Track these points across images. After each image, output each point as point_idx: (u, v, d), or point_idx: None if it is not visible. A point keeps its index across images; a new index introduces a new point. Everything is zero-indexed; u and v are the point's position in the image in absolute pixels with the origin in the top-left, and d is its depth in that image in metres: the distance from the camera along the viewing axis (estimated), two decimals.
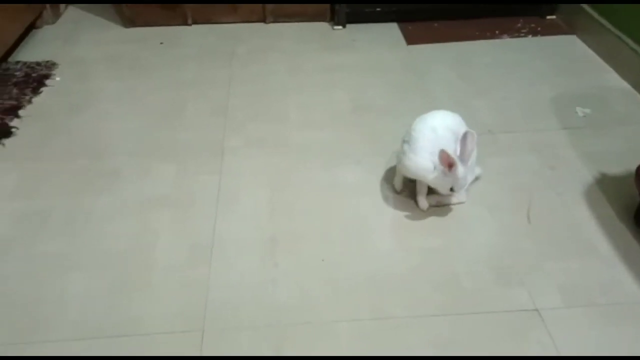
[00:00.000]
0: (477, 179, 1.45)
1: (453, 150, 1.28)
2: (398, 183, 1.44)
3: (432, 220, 1.37)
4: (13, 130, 1.72)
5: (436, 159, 1.27)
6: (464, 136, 1.27)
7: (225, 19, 2.32)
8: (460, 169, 1.26)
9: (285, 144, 1.65)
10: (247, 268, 1.25)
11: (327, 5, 2.31)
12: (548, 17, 2.29)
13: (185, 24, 2.31)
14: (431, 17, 2.31)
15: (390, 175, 1.48)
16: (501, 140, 1.63)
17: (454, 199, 1.39)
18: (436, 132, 1.31)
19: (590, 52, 2.06)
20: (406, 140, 1.34)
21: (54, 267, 1.26)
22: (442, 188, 1.32)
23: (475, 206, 1.40)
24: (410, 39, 2.20)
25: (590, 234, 1.31)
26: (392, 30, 2.26)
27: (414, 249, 1.29)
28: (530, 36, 2.19)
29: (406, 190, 1.43)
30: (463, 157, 1.27)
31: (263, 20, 2.34)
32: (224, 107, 1.82)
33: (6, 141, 1.67)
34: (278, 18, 2.33)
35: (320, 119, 1.76)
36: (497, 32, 2.22)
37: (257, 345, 1.09)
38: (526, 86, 1.88)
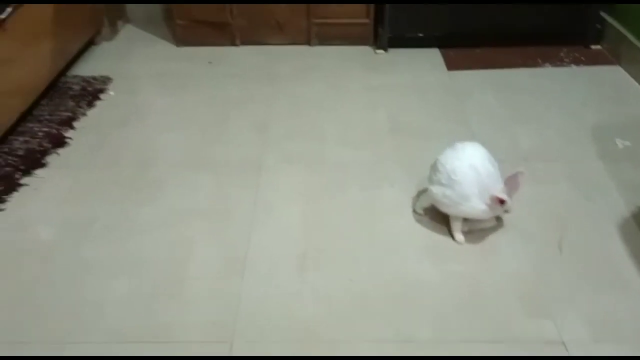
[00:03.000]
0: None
1: (499, 184, 1.31)
2: (420, 207, 1.47)
3: (463, 246, 1.38)
4: (67, 140, 1.83)
5: (486, 197, 1.30)
6: (515, 175, 1.31)
7: (272, 41, 2.40)
8: (509, 202, 1.30)
9: (322, 162, 1.69)
10: (278, 282, 1.29)
11: (371, 30, 2.36)
12: (592, 46, 2.28)
13: (234, 44, 2.41)
14: (473, 44, 2.33)
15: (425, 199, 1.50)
16: (537, 169, 1.63)
17: (487, 223, 1.40)
18: (477, 170, 1.32)
19: (634, 83, 2.03)
20: (447, 184, 1.34)
21: (96, 272, 1.33)
22: (490, 217, 1.36)
23: (507, 233, 1.41)
24: (451, 65, 2.23)
25: (624, 268, 1.30)
26: (433, 56, 2.29)
27: (442, 273, 1.30)
28: (573, 65, 2.18)
29: (434, 213, 1.45)
30: (511, 193, 1.31)
31: (308, 42, 2.41)
32: (265, 124, 1.88)
33: (61, 151, 1.78)
34: (323, 41, 2.40)
35: (358, 139, 1.80)
36: (539, 60, 2.22)
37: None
38: (566, 115, 1.87)
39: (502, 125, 1.84)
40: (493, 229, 1.42)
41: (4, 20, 1.68)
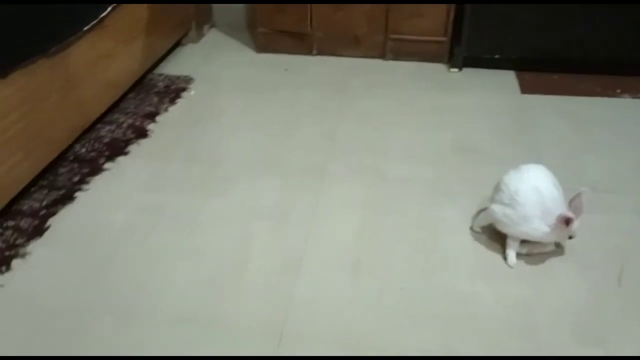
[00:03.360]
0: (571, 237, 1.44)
1: (563, 207, 1.31)
2: (477, 225, 1.48)
3: (519, 269, 1.37)
4: (149, 133, 1.96)
5: (549, 220, 1.30)
6: (579, 196, 1.32)
7: (347, 53, 2.47)
8: (576, 223, 1.30)
9: (384, 175, 1.73)
10: (330, 285, 1.34)
11: (447, 48, 2.38)
12: None
13: (310, 54, 2.49)
14: (550, 69, 2.29)
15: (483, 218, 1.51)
16: (604, 199, 1.59)
17: (547, 247, 1.39)
18: (541, 192, 1.33)
19: None
20: (509, 203, 1.35)
21: (163, 255, 1.43)
22: (552, 240, 1.34)
23: (565, 261, 1.39)
24: (525, 88, 2.20)
25: None
26: (508, 78, 2.27)
27: (495, 293, 1.31)
28: None
29: (492, 233, 1.45)
30: (577, 213, 1.30)
31: (382, 56, 2.46)
32: (333, 133, 1.94)
33: (142, 141, 1.91)
34: (397, 56, 2.44)
35: (422, 156, 1.82)
36: (618, 90, 2.15)
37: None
38: (639, 147, 1.82)
39: (571, 153, 1.81)
40: (551, 255, 1.40)
41: (104, 18, 1.83)
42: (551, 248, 1.40)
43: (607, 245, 1.43)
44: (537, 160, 1.70)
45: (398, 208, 1.59)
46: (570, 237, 1.34)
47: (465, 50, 2.30)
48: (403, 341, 1.20)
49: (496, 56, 2.30)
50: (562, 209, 1.31)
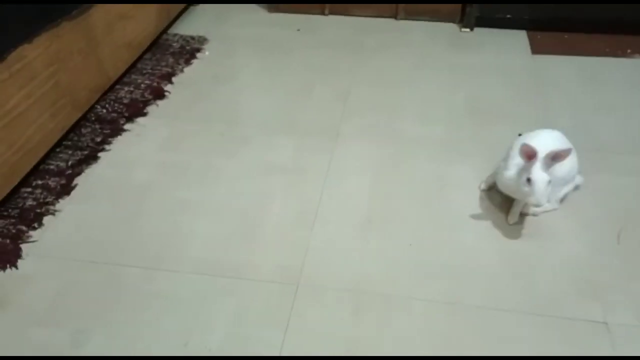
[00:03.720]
0: (577, 187, 1.50)
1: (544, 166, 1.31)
2: (486, 184, 1.54)
3: (524, 226, 1.44)
4: (166, 93, 2.02)
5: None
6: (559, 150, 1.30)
7: (360, 12, 2.48)
8: (537, 165, 1.28)
9: (397, 135, 1.78)
10: (342, 239, 1.42)
11: (459, 7, 2.38)
12: None
13: (322, 14, 2.51)
14: (562, 28, 2.30)
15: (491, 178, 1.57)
16: (611, 160, 1.64)
17: (548, 206, 1.45)
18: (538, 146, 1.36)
19: None
20: (505, 158, 1.42)
21: (186, 210, 1.51)
22: (524, 197, 1.34)
23: (568, 219, 1.46)
24: (537, 48, 2.22)
25: None
26: (519, 38, 2.29)
27: (499, 248, 1.38)
28: None
29: (501, 193, 1.51)
30: (547, 159, 1.29)
31: (395, 16, 2.47)
32: (346, 93, 1.98)
33: (160, 102, 1.97)
34: (409, 15, 2.45)
35: (435, 115, 1.87)
36: (629, 50, 2.17)
37: (340, 304, 1.26)
38: None
39: (582, 113, 1.84)
40: (555, 214, 1.47)
41: None
42: (555, 206, 1.46)
43: (610, 205, 1.49)
44: (548, 121, 1.77)
45: (409, 166, 1.65)
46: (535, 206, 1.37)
47: (477, 10, 2.31)
48: (409, 290, 1.28)
49: (507, 16, 2.31)
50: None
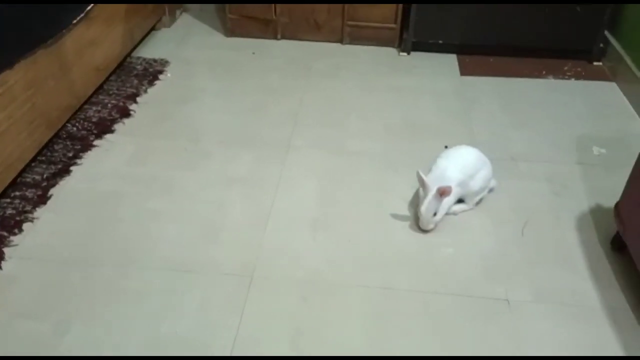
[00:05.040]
0: (491, 190, 1.77)
1: (451, 187, 1.61)
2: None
3: (444, 223, 1.69)
4: (132, 112, 2.20)
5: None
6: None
7: (309, 37, 2.73)
8: (427, 198, 1.59)
9: (341, 148, 2.02)
10: (292, 237, 1.64)
11: (397, 34, 2.66)
12: (595, 63, 2.53)
13: (275, 38, 2.75)
14: (487, 53, 2.60)
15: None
16: (521, 167, 1.92)
17: (465, 207, 1.72)
18: (444, 173, 1.64)
19: (625, 100, 2.29)
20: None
21: (152, 217, 1.70)
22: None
23: (482, 216, 1.72)
24: (465, 70, 2.52)
25: (572, 252, 1.60)
26: (450, 61, 2.58)
27: (423, 242, 1.63)
28: (573, 79, 2.44)
29: None
30: (437, 194, 1.59)
31: (341, 41, 2.73)
32: (296, 112, 2.22)
33: (126, 120, 2.15)
34: (354, 40, 2.71)
35: (375, 131, 2.11)
36: (544, 72, 2.49)
37: (289, 292, 1.47)
38: (558, 124, 2.15)
39: (500, 128, 2.13)
40: (470, 213, 1.73)
41: (90, 10, 2.05)
42: (470, 207, 1.72)
43: (518, 205, 1.76)
44: (470, 136, 2.04)
45: (351, 176, 1.89)
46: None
47: (413, 36, 2.59)
48: (350, 278, 1.51)
49: (439, 41, 2.60)
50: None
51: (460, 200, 1.72)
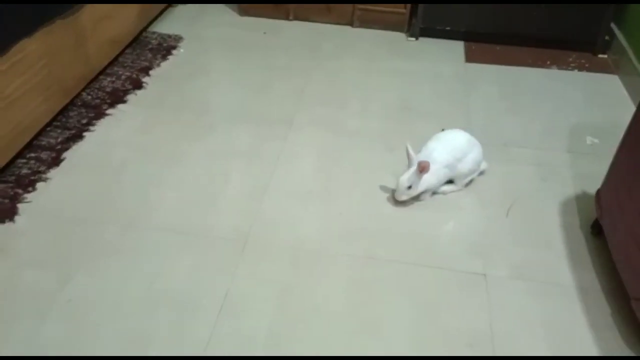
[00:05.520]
0: (482, 173, 1.84)
1: (428, 163, 1.67)
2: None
3: (432, 201, 1.77)
4: (144, 85, 2.30)
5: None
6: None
7: (320, 19, 2.80)
8: (408, 172, 1.68)
9: (340, 126, 2.10)
10: (286, 207, 1.73)
11: (406, 19, 2.71)
12: (600, 55, 2.56)
13: (287, 19, 2.82)
14: (494, 41, 2.65)
15: None
16: (513, 153, 1.98)
17: (454, 187, 1.79)
18: (431, 154, 1.71)
19: (624, 92, 2.32)
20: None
21: (156, 183, 1.81)
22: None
23: (469, 196, 1.79)
24: (470, 57, 2.57)
25: (552, 233, 1.67)
26: (456, 47, 2.63)
27: (409, 216, 1.71)
28: (576, 70, 2.48)
29: None
30: (417, 170, 1.67)
31: (351, 24, 2.79)
32: (301, 90, 2.30)
33: (138, 92, 2.26)
34: (363, 23, 2.77)
35: (374, 112, 2.19)
36: (548, 62, 2.52)
37: (280, 258, 1.57)
38: (554, 112, 2.20)
39: (496, 114, 2.18)
40: (460, 193, 1.80)
41: None
42: (458, 188, 1.79)
43: (505, 188, 1.83)
44: (465, 120, 2.10)
45: (347, 152, 1.97)
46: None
47: (422, 21, 2.65)
48: (338, 247, 1.60)
49: (447, 28, 2.65)
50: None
51: (450, 182, 1.79)
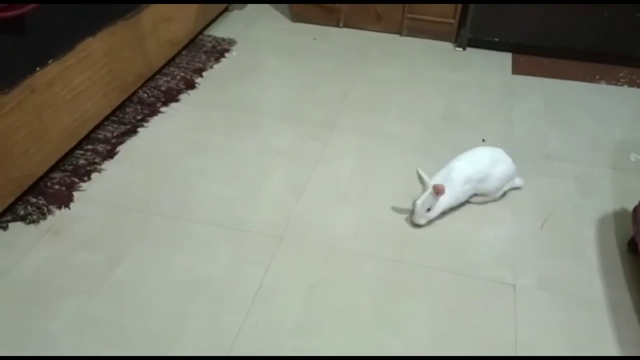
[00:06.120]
0: (517, 188, 1.84)
1: (444, 186, 1.68)
2: None
3: (466, 210, 1.79)
4: (196, 85, 2.42)
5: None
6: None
7: (370, 27, 2.86)
8: (424, 195, 1.68)
9: (381, 132, 2.15)
10: (323, 206, 1.79)
11: (455, 29, 2.73)
12: None
13: (337, 25, 2.89)
14: (543, 54, 2.63)
15: None
16: (554, 166, 1.98)
17: (488, 199, 1.81)
18: (449, 174, 1.71)
19: None
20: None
21: (202, 176, 1.91)
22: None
23: (504, 207, 1.80)
24: (517, 69, 2.56)
25: (587, 248, 1.66)
26: (504, 59, 2.63)
27: (442, 224, 1.74)
28: (626, 86, 2.43)
29: None
30: (424, 188, 1.68)
31: (400, 32, 2.83)
32: (345, 95, 2.36)
33: (191, 92, 2.37)
34: (412, 32, 2.81)
35: (415, 119, 2.23)
36: (597, 77, 2.49)
37: (312, 254, 1.63)
38: (599, 126, 2.18)
39: (539, 127, 2.18)
40: (494, 204, 1.81)
41: None
42: (493, 198, 1.81)
43: (542, 200, 1.83)
44: (508, 132, 2.11)
45: (386, 157, 2.02)
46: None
47: (470, 32, 2.66)
48: (368, 248, 1.65)
49: (496, 39, 2.66)
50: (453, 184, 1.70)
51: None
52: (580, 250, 1.66)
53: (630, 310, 1.49)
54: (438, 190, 1.66)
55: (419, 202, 1.68)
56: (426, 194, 1.68)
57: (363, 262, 1.61)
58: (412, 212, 1.73)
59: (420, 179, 1.70)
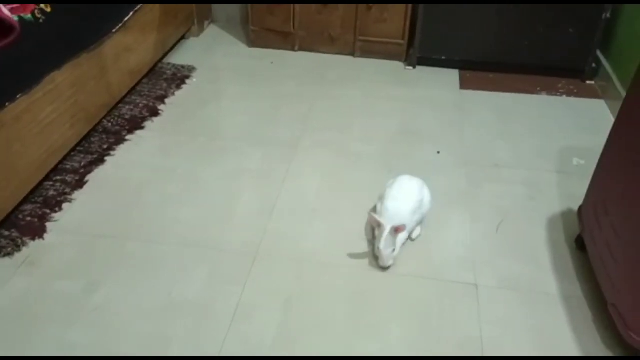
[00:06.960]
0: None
1: (405, 225, 1.67)
2: None
3: (427, 219, 1.91)
4: (160, 112, 2.47)
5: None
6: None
7: (324, 50, 2.98)
8: (384, 237, 1.63)
9: (343, 149, 2.25)
10: (293, 224, 1.87)
11: (404, 49, 2.89)
12: (588, 82, 2.72)
13: (293, 49, 3.00)
14: (488, 69, 2.81)
15: None
16: (503, 173, 2.13)
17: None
18: (398, 211, 1.70)
19: (611, 117, 2.46)
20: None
21: (172, 201, 1.96)
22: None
23: (462, 214, 1.93)
24: (464, 84, 2.73)
25: (539, 248, 1.80)
26: (452, 76, 2.79)
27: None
28: (565, 96, 2.63)
29: None
30: (392, 232, 1.64)
31: (353, 54, 2.97)
32: (307, 116, 2.46)
33: (155, 119, 2.42)
34: (364, 54, 2.95)
35: (374, 136, 2.34)
36: (538, 88, 2.68)
37: (286, 271, 1.71)
38: (543, 136, 2.35)
39: (488, 137, 2.34)
40: (452, 210, 1.94)
41: (127, 20, 2.33)
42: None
43: (496, 205, 1.97)
44: (460, 143, 2.25)
45: (349, 173, 2.12)
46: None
47: (419, 51, 2.82)
48: (339, 259, 1.74)
49: (443, 57, 2.82)
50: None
51: None
52: (533, 249, 1.80)
53: (581, 300, 1.63)
54: (399, 229, 1.65)
55: (381, 246, 1.64)
56: (385, 235, 1.63)
57: (335, 274, 1.70)
58: (377, 257, 1.70)
59: (376, 222, 1.67)
